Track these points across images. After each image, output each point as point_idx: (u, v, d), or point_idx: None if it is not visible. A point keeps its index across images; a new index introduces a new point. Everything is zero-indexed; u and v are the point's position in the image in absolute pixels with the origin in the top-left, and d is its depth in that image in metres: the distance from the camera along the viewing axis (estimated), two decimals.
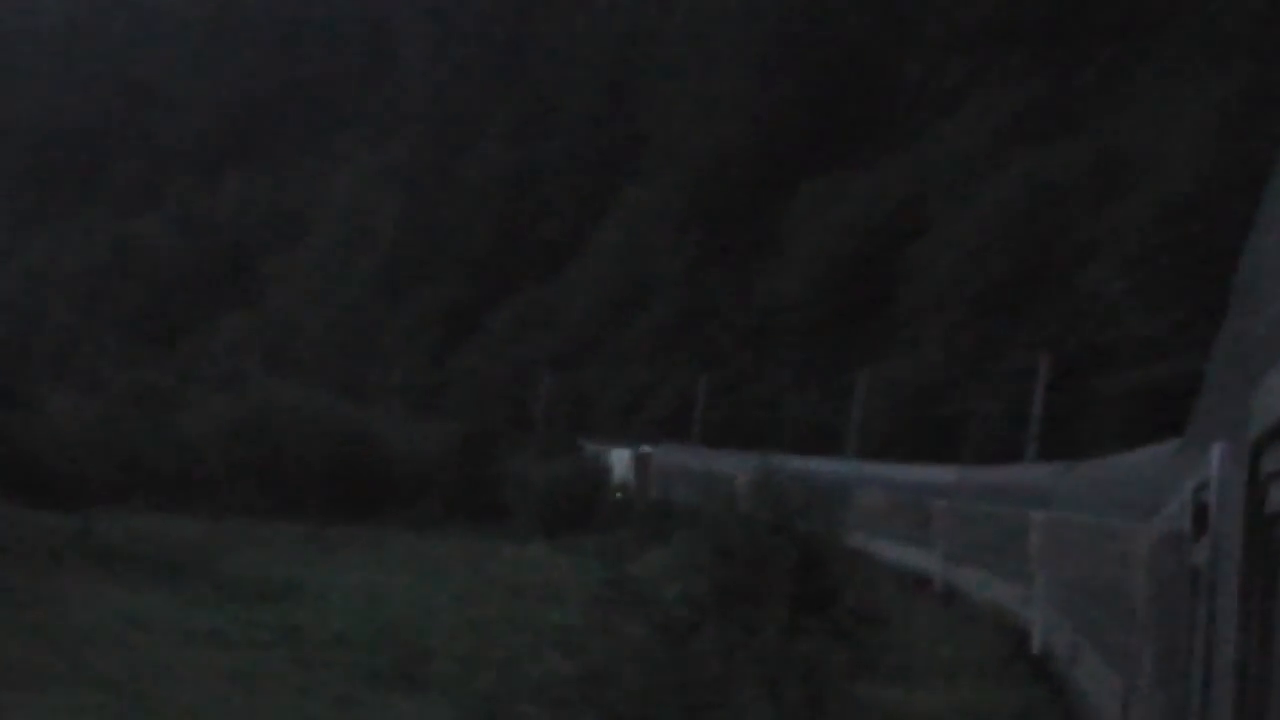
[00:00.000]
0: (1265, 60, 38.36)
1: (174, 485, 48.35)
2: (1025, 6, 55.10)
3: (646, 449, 56.99)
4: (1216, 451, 4.47)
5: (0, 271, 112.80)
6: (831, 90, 65.83)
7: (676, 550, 27.34)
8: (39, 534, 34.87)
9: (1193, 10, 45.97)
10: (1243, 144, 34.12)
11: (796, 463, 30.30)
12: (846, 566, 23.32)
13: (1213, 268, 22.56)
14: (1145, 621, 9.40)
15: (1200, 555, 4.90)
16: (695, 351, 66.90)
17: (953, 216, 51.85)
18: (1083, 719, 16.03)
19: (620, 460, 56.40)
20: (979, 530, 29.00)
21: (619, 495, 52.30)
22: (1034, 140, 48.97)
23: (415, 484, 52.01)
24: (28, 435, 45.21)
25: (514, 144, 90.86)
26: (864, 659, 20.97)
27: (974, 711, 20.04)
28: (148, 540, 36.12)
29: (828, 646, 19.70)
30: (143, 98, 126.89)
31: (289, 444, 51.06)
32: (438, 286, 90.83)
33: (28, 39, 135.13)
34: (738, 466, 37.14)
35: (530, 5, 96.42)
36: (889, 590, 27.75)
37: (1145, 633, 9.11)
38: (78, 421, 50.79)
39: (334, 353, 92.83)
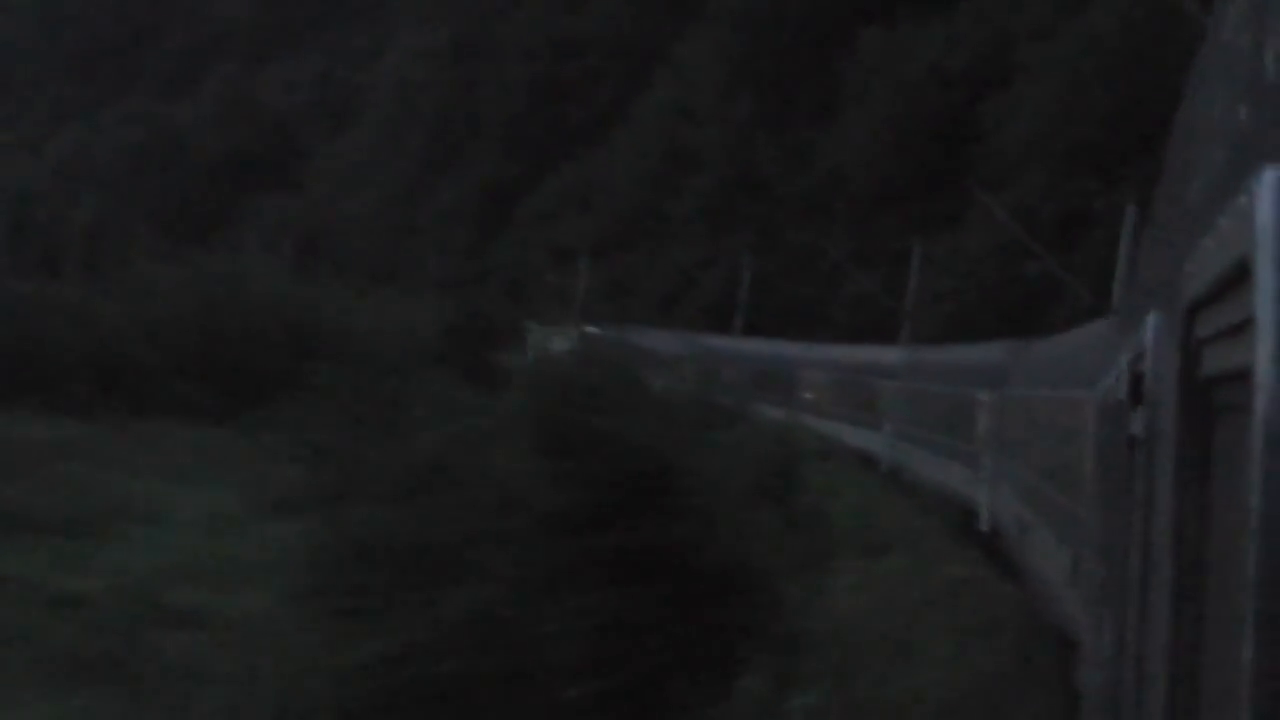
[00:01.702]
0: None
1: (86, 379, 42.77)
2: None
3: (592, 330, 54.05)
4: (1150, 321, 4.68)
5: (32, 161, 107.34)
6: None
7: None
8: None
9: None
10: None
11: (746, 345, 34.23)
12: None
13: None
14: (1089, 491, 9.85)
15: (1137, 424, 5.11)
16: (744, 230, 64.98)
17: (1036, 66, 49.40)
18: (1032, 593, 16.30)
19: (563, 341, 54.09)
20: (926, 411, 29.58)
21: None
22: None
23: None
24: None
25: (558, 8, 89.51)
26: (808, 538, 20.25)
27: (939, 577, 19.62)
28: None
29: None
30: None
31: (222, 333, 45.44)
32: (478, 167, 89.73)
33: None
34: (686, 348, 37.62)
35: None
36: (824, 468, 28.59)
37: (1090, 504, 9.57)
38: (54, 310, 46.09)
39: (373, 243, 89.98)
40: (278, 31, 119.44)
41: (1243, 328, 2.27)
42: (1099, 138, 43.95)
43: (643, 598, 15.47)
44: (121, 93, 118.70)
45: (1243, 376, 2.25)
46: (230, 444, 32.58)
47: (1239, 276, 2.30)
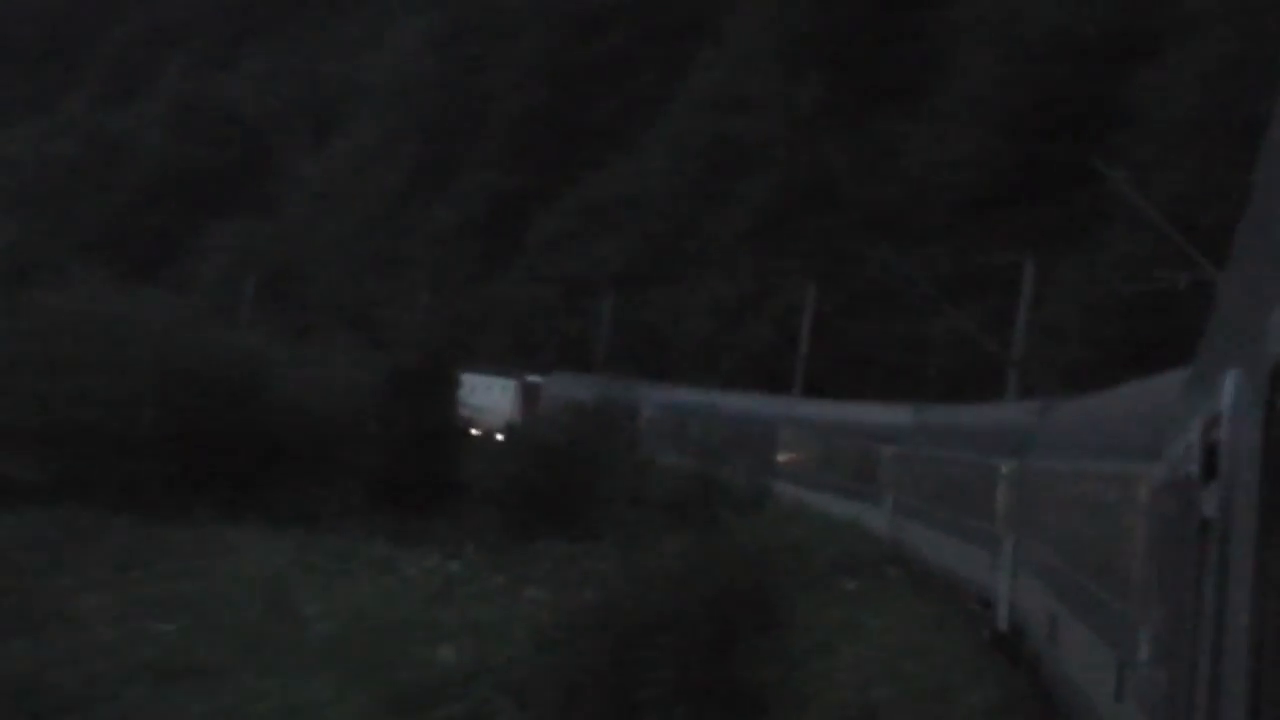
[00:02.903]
0: None
1: None
2: None
3: (534, 379, 58.27)
4: (1229, 380, 4.74)
5: None
6: None
7: None
8: None
9: None
10: None
11: (726, 400, 39.23)
12: None
13: None
14: (1144, 584, 10.47)
15: (1210, 504, 5.16)
16: (807, 253, 63.55)
17: (1193, 27, 49.15)
18: (1067, 706, 16.90)
19: (501, 394, 58.01)
20: (936, 482, 30.92)
21: (499, 437, 53.11)
22: None
23: (318, 456, 46.05)
24: None
25: None
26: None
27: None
28: None
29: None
30: None
31: (131, 391, 44.07)
32: (481, 179, 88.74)
33: None
34: (643, 400, 41.56)
35: None
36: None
37: (1144, 598, 10.10)
38: None
39: (352, 276, 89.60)
40: (245, 20, 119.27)
41: None
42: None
43: None
44: (55, 96, 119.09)
45: None
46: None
47: None
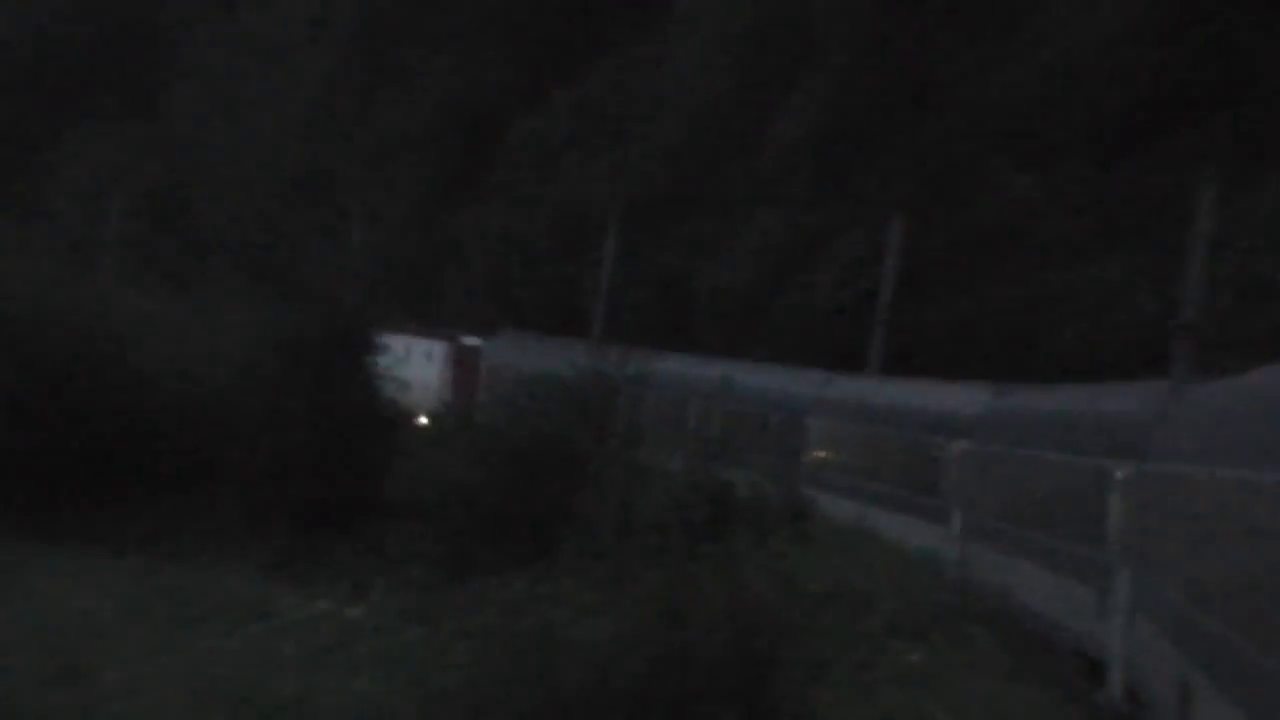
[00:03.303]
0: None
1: None
2: None
3: (471, 341, 61.75)
4: None
5: None
6: None
7: None
8: None
9: None
10: None
11: (741, 376, 43.92)
12: None
13: None
14: None
15: None
16: (890, 177, 64.59)
17: None
18: None
19: (425, 363, 60.15)
20: (1022, 492, 31.50)
21: (423, 422, 54.84)
22: None
23: (181, 455, 47.21)
24: None
25: None
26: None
27: None
28: None
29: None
30: None
31: None
32: (444, 72, 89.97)
33: None
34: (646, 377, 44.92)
35: None
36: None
37: None
38: None
39: (257, 203, 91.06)
40: None
41: None
42: None
43: None
44: None
45: None
46: None
47: None
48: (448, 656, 29.17)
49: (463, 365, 62.01)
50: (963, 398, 38.62)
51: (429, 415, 56.05)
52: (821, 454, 46.19)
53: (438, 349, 63.05)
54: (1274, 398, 17.69)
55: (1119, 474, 24.74)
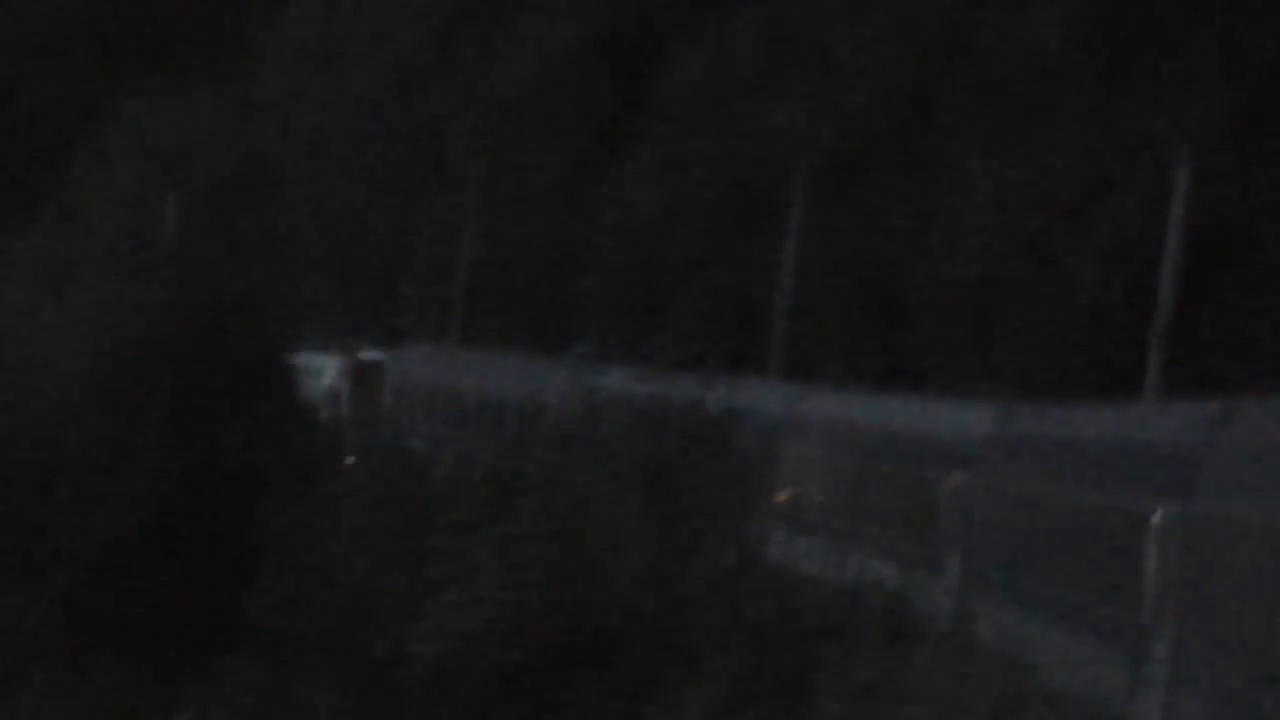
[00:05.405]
0: None
1: None
2: None
3: (371, 355, 61.65)
4: None
5: None
6: None
7: None
8: None
9: None
10: None
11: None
12: None
13: None
14: None
15: None
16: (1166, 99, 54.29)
17: None
18: None
19: (316, 381, 60.19)
20: (1030, 534, 31.22)
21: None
22: None
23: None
24: None
25: None
26: None
27: None
28: None
29: None
30: None
31: None
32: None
33: None
34: (556, 385, 46.33)
35: None
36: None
37: None
38: None
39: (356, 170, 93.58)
40: None
41: None
42: None
43: None
44: None
45: None
46: None
47: None
48: None
49: (361, 383, 60.48)
50: (962, 418, 37.60)
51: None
52: (794, 487, 44.42)
53: (331, 364, 61.22)
54: None
55: (1157, 516, 23.48)
